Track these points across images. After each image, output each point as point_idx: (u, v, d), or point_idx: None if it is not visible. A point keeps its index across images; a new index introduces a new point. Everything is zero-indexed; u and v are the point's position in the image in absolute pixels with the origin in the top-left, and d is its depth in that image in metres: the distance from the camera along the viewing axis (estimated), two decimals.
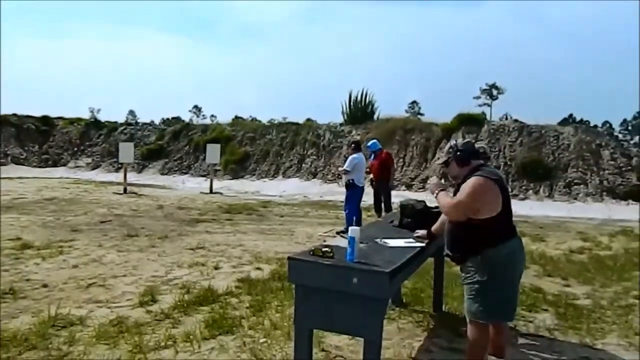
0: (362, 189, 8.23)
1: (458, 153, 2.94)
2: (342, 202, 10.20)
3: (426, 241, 3.36)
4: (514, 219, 2.90)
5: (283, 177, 20.51)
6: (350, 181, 8.09)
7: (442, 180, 3.20)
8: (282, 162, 21.43)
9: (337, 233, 8.04)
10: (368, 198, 11.14)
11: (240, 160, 22.19)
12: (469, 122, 18.22)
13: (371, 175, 9.04)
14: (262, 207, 12.60)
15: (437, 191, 3.03)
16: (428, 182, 3.28)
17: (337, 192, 16.14)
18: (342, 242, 2.95)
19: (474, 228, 2.77)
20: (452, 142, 3.06)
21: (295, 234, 8.38)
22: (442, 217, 3.19)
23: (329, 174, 19.36)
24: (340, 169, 8.75)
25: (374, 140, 9.43)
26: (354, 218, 7.97)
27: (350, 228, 2.69)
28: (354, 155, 8.21)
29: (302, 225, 9.61)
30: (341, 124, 23.01)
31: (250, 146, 22.98)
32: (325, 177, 19.40)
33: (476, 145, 2.98)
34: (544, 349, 3.73)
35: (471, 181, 2.79)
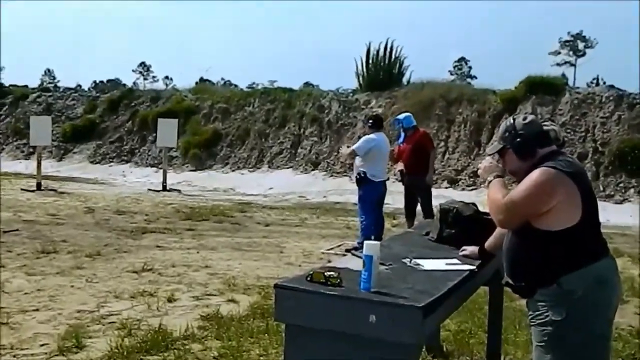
0: (382, 186, 8.28)
1: (518, 139, 2.93)
2: (354, 204, 10.22)
3: (477, 262, 3.37)
4: (603, 230, 2.90)
5: (269, 167, 20.62)
6: (362, 174, 8.13)
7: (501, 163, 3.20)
8: (268, 147, 21.53)
9: (348, 250, 8.09)
10: (394, 199, 11.15)
11: (208, 143, 22.33)
12: (543, 88, 18.30)
13: (401, 165, 9.07)
14: (239, 211, 12.69)
15: (490, 177, 3.05)
16: (479, 164, 3.30)
17: (348, 190, 16.23)
18: (354, 264, 2.96)
19: (544, 243, 2.75)
20: (509, 121, 3.03)
21: (286, 251, 8.44)
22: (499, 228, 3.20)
23: (336, 164, 19.46)
24: (342, 150, 8.77)
25: (407, 114, 9.39)
26: (372, 228, 8.01)
27: (365, 243, 2.67)
28: (371, 136, 8.22)
29: (296, 238, 9.67)
30: (354, 92, 23.10)
31: (222, 122, 23.08)
32: (330, 169, 19.52)
33: (545, 127, 2.97)
34: None
35: (534, 173, 2.78)
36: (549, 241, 2.73)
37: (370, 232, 8.01)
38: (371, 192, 8.13)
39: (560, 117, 17.38)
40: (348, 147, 8.65)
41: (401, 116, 9.33)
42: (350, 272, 2.80)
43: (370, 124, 8.37)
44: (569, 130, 16.77)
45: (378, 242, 2.73)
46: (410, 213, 9.29)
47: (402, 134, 9.19)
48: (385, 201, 8.85)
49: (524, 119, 2.99)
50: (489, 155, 3.15)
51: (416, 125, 9.35)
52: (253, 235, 9.77)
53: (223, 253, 8.09)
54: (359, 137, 9.78)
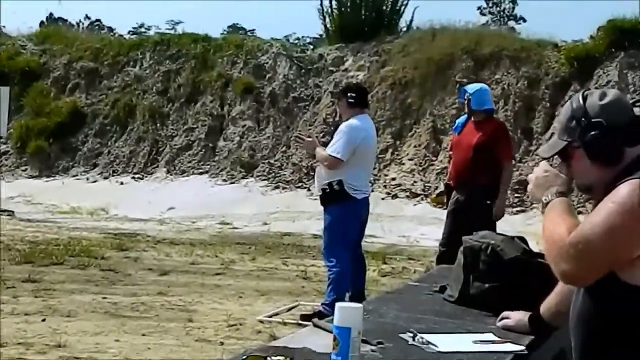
0: (365, 206, 8.37)
1: (592, 132, 2.95)
2: (316, 237, 10.09)
3: (527, 339, 3.41)
4: None
5: (169, 173, 20.46)
6: (335, 186, 8.13)
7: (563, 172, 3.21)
8: (167, 137, 21.37)
9: (305, 318, 7.99)
10: (382, 226, 10.94)
11: (62, 129, 22.11)
12: (632, 39, 18.71)
13: (449, 171, 9.27)
14: (116, 249, 12.66)
15: (546, 196, 3.05)
16: (530, 174, 3.33)
17: (305, 213, 16.29)
18: (318, 341, 2.98)
19: (633, 308, 2.80)
20: (577, 100, 3.03)
21: (197, 319, 8.40)
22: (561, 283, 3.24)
23: (287, 167, 19.44)
24: (319, 151, 8.66)
25: (482, 87, 9.49)
26: (347, 279, 8.05)
27: (338, 306, 2.70)
28: (355, 122, 8.23)
29: (214, 295, 9.66)
30: (316, 43, 23.13)
31: (86, 94, 22.78)
32: (276, 176, 19.46)
33: (638, 109, 3.00)
34: None
35: (621, 190, 2.79)
36: None
37: (344, 285, 8.00)
38: (347, 217, 8.13)
39: None
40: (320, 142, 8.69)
41: (471, 87, 9.37)
42: (311, 357, 2.79)
43: (351, 100, 8.34)
44: None
45: (359, 305, 2.74)
46: (448, 254, 9.20)
47: (462, 118, 9.35)
48: (368, 231, 8.86)
49: (602, 96, 2.98)
50: (545, 158, 3.18)
51: (491, 110, 9.44)
52: (140, 290, 9.65)
53: (87, 322, 7.97)
54: (330, 123, 9.80)
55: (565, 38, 19.71)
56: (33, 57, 23.85)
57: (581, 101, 2.96)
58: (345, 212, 8.12)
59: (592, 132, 2.89)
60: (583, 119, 2.92)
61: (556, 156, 3.06)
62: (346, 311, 2.67)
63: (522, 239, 4.10)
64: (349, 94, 8.42)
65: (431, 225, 14.98)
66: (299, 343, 3.09)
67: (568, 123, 2.98)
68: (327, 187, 8.17)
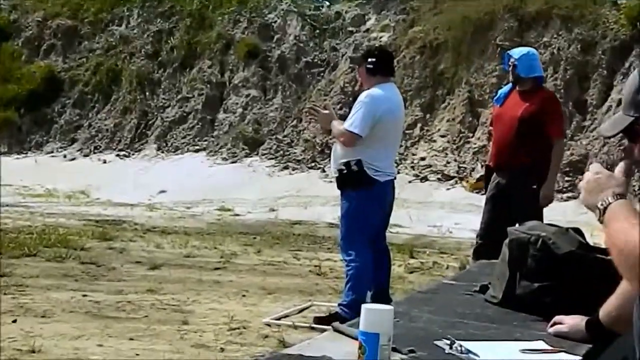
0: (389, 190, 8.41)
1: None
2: (331, 226, 10.04)
3: (585, 348, 3.41)
4: None
5: (160, 150, 20.50)
6: (354, 166, 8.15)
7: (623, 167, 3.19)
8: (157, 108, 21.38)
9: (321, 320, 8.09)
10: (407, 213, 10.86)
11: (35, 98, 22.12)
12: None
13: (489, 149, 9.23)
14: (98, 238, 12.75)
15: (603, 200, 3.03)
16: (585, 174, 3.30)
17: (319, 198, 16.32)
18: (339, 349, 2.99)
19: None
20: None
21: (194, 321, 8.45)
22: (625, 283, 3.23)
23: (296, 144, 19.45)
24: (335, 124, 8.68)
25: (529, 51, 9.45)
26: (369, 275, 8.08)
27: (364, 309, 2.70)
28: (376, 92, 8.26)
29: (214, 293, 9.71)
30: (332, 0, 22.97)
31: (63, 57, 22.78)
32: (284, 154, 19.48)
33: None
34: None
35: None
36: None
37: (364, 283, 8.04)
38: (368, 203, 8.15)
39: None
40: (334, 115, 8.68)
41: (516, 51, 9.35)
42: None
43: (371, 66, 8.36)
44: None
45: (390, 307, 2.74)
46: (486, 248, 9.23)
47: (506, 88, 9.35)
48: (392, 220, 8.86)
49: None
50: (608, 137, 3.18)
51: (541, 78, 9.43)
52: (127, 287, 9.70)
53: (65, 324, 8.01)
54: (348, 93, 9.79)
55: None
56: (1, 14, 23.87)
57: None
58: (365, 197, 8.12)
59: None
60: None
61: (623, 134, 3.05)
62: (374, 314, 2.67)
63: (578, 231, 4.09)
64: (370, 60, 8.44)
65: (467, 213, 15.00)
66: (316, 351, 3.10)
67: (635, 95, 2.98)
68: (344, 167, 8.18)
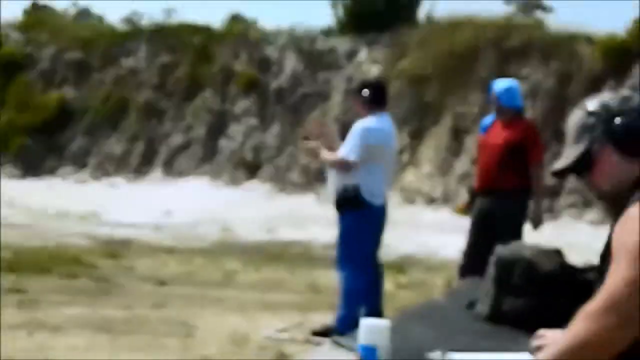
0: (382, 213, 8.40)
1: (619, 118, 2.93)
2: (326, 247, 9.94)
3: None
4: None
5: (166, 174, 20.48)
6: (351, 191, 8.16)
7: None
8: (163, 135, 21.37)
9: (316, 334, 8.13)
10: (395, 233, 10.83)
11: (48, 125, 22.11)
12: None
13: (473, 176, 9.21)
14: (108, 257, 12.68)
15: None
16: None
17: (313, 218, 16.23)
18: (337, 358, 2.95)
19: None
20: (588, 103, 3.04)
21: (198, 335, 8.42)
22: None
23: (294, 169, 19.44)
24: (325, 155, 8.70)
25: (511, 84, 9.46)
26: (363, 293, 8.04)
27: (363, 324, 2.70)
28: (370, 122, 8.26)
29: (216, 309, 9.69)
30: (327, 33, 22.96)
31: (75, 87, 22.81)
32: (282, 178, 19.45)
33: None
34: None
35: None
36: None
37: (358, 299, 7.92)
38: (364, 225, 8.16)
39: None
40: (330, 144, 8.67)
41: (499, 85, 9.36)
42: None
43: (366, 96, 8.39)
44: None
45: (387, 322, 2.74)
46: (471, 267, 9.22)
47: (490, 117, 9.37)
48: (386, 241, 8.83)
49: (614, 92, 3.04)
50: (558, 173, 3.13)
51: (521, 108, 9.46)
52: (135, 303, 9.66)
53: (77, 338, 7.99)
54: (341, 121, 9.78)
55: (598, 30, 19.65)
56: (17, 47, 23.90)
57: (595, 101, 2.98)
58: (361, 219, 8.14)
59: (619, 119, 2.87)
60: (604, 112, 2.92)
61: (574, 166, 2.98)
62: (372, 328, 2.67)
63: (558, 252, 4.09)
64: (365, 91, 8.45)
65: (452, 234, 14.94)
66: None
67: (585, 121, 2.95)
68: (342, 191, 8.19)
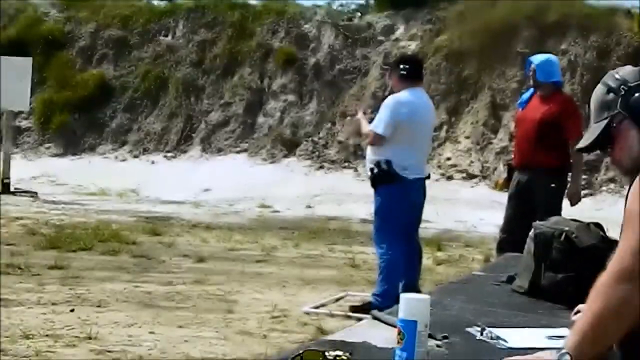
0: (419, 188, 8.39)
1: (638, 93, 2.91)
2: (365, 222, 9.97)
3: None
4: None
5: (204, 151, 20.49)
6: (383, 166, 8.16)
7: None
8: (202, 112, 21.39)
9: (357, 309, 8.14)
10: (437, 209, 10.78)
11: (87, 103, 22.17)
12: None
13: (511, 151, 9.10)
14: (148, 233, 12.80)
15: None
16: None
17: (352, 196, 16.26)
18: (379, 335, 2.99)
19: None
20: (609, 76, 3.01)
21: (238, 310, 8.47)
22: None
23: (330, 146, 19.41)
24: (362, 125, 8.69)
25: (549, 57, 9.40)
26: (401, 268, 8.09)
27: (402, 298, 2.70)
28: (403, 96, 8.26)
29: (256, 284, 9.72)
30: (363, 10, 22.92)
31: (114, 65, 22.83)
32: (320, 155, 19.42)
33: None
34: None
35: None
36: None
37: (396, 275, 8.02)
38: (398, 200, 8.15)
39: None
40: (364, 118, 8.67)
41: (537, 57, 9.28)
42: (372, 353, 2.78)
43: (401, 73, 8.37)
44: None
45: (426, 297, 2.74)
46: (509, 242, 9.16)
47: (528, 92, 9.29)
48: (424, 216, 8.81)
49: (634, 65, 3.02)
50: (585, 149, 3.10)
51: (560, 83, 9.44)
52: (175, 278, 9.73)
53: (119, 313, 8.04)
54: (379, 96, 9.77)
55: (637, 3, 19.42)
56: (56, 25, 23.93)
57: (614, 75, 2.98)
58: (395, 194, 8.14)
59: (638, 94, 2.86)
60: (622, 86, 2.92)
61: (595, 143, 2.97)
62: (412, 303, 2.66)
63: (598, 225, 4.07)
64: (401, 66, 8.44)
65: (490, 210, 14.90)
66: (357, 337, 3.09)
67: (604, 98, 2.96)
68: (375, 167, 8.20)
